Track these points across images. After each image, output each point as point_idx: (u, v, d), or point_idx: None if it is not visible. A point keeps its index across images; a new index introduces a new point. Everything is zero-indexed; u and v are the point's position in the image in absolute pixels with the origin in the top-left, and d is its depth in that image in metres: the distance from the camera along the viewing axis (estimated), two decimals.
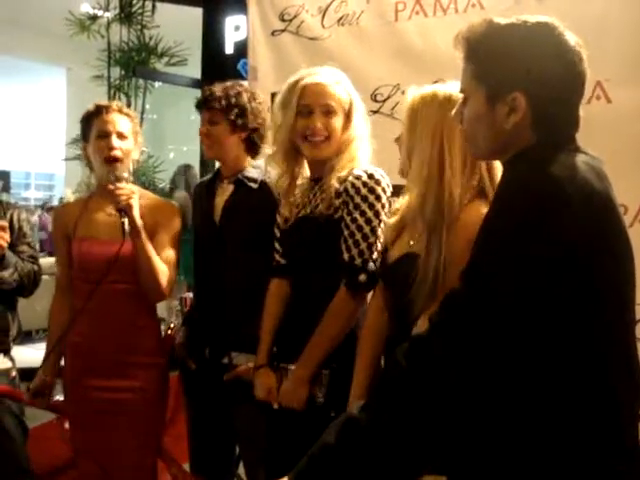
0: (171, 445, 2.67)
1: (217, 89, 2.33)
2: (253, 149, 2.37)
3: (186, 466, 2.65)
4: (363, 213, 1.90)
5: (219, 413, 2.34)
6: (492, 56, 1.30)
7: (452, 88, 1.71)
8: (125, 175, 2.20)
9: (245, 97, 2.31)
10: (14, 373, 2.69)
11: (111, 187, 2.16)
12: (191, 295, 2.55)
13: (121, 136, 2.27)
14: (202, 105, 2.36)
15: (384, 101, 2.68)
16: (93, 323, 2.25)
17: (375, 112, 2.65)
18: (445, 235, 1.60)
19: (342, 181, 1.95)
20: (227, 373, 2.21)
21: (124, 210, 2.14)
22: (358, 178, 1.93)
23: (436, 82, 2.40)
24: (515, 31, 1.29)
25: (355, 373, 1.84)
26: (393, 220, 1.81)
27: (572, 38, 1.29)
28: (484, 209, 1.56)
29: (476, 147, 1.41)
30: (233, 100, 2.29)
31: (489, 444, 1.27)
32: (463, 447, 1.30)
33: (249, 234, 2.25)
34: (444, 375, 1.21)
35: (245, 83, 2.46)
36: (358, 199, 1.91)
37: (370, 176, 1.93)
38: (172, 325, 3.30)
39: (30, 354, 4.18)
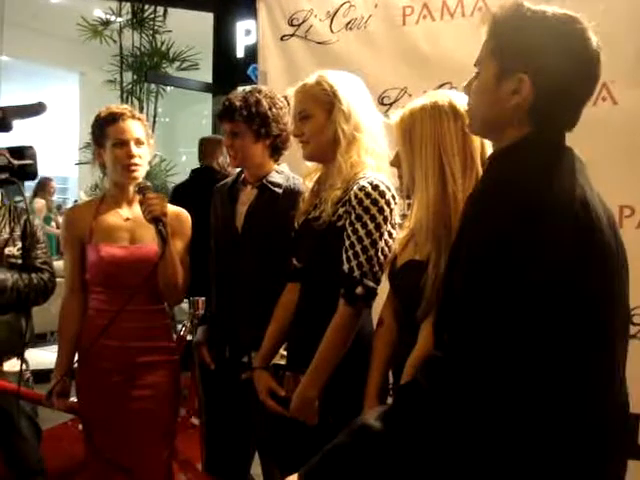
0: (183, 446, 2.70)
1: (236, 99, 2.29)
2: (277, 153, 2.36)
3: (198, 467, 2.68)
4: (364, 225, 1.86)
5: (237, 412, 2.35)
6: (510, 35, 1.32)
7: (438, 95, 1.74)
8: (148, 184, 2.22)
9: (265, 105, 2.27)
10: (28, 375, 2.73)
11: (141, 198, 2.18)
12: (202, 298, 2.57)
13: (138, 142, 2.29)
14: (223, 116, 2.32)
15: (391, 104, 2.69)
16: (110, 325, 2.23)
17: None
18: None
19: (346, 189, 1.93)
20: (245, 372, 2.23)
21: (159, 219, 2.15)
22: (362, 189, 1.88)
23: (442, 86, 2.43)
24: (540, 17, 1.30)
25: (368, 384, 1.84)
26: (402, 235, 1.82)
27: (594, 38, 1.30)
28: None
29: (473, 120, 1.43)
30: (254, 109, 2.26)
31: (498, 467, 1.25)
32: (473, 470, 1.28)
33: (271, 239, 2.24)
34: (464, 398, 1.20)
35: (263, 88, 2.41)
36: (360, 210, 1.87)
37: (375, 187, 1.88)
38: (184, 327, 3.34)
39: (44, 356, 4.22)
